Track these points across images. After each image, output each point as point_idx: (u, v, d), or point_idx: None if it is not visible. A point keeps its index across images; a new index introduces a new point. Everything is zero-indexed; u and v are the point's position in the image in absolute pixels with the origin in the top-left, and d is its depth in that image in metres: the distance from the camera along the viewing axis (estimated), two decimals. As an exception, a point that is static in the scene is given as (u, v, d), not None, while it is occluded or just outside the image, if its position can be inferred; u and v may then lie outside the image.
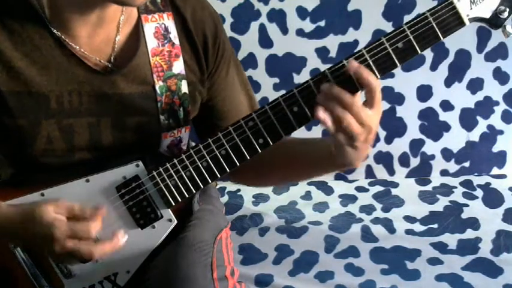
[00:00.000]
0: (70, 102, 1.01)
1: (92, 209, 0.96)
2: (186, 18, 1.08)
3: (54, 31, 0.99)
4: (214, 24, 1.11)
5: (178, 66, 1.08)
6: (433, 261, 1.64)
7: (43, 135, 1.01)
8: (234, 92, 1.17)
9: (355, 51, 0.93)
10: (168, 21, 1.08)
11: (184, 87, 1.09)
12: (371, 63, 0.93)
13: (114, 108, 1.04)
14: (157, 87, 1.06)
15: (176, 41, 1.08)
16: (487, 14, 0.94)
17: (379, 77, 0.93)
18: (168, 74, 1.07)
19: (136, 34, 1.06)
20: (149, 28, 1.06)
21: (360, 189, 2.05)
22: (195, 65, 1.10)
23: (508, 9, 0.93)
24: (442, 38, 0.93)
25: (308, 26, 1.98)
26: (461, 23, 0.92)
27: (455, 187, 2.02)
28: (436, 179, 2.08)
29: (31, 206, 0.95)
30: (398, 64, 0.93)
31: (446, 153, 2.09)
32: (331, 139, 0.95)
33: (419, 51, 0.93)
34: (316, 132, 2.05)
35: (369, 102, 0.92)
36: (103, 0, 0.96)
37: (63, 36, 1.00)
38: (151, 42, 1.06)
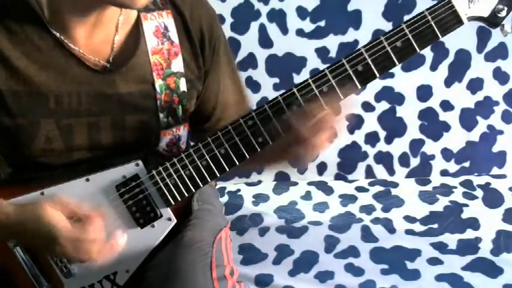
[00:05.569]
0: (69, 103, 1.01)
1: (90, 210, 0.95)
2: (184, 16, 1.09)
3: (53, 32, 0.99)
4: (211, 21, 1.11)
5: (177, 64, 1.08)
6: (433, 261, 1.64)
7: (42, 135, 1.01)
8: (224, 90, 1.17)
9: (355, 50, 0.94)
10: (167, 19, 1.08)
11: (183, 85, 1.09)
12: (370, 62, 0.93)
13: (113, 108, 1.04)
14: (157, 86, 1.06)
15: (175, 39, 1.08)
16: (485, 13, 0.94)
17: (378, 75, 0.94)
18: (168, 72, 1.07)
19: (136, 33, 1.06)
20: (149, 27, 1.06)
21: (360, 189, 2.05)
22: (193, 62, 1.10)
23: (506, 8, 0.93)
24: (440, 37, 0.93)
25: (308, 26, 1.98)
26: (460, 22, 0.93)
27: (455, 187, 2.02)
28: (436, 179, 2.08)
29: (30, 205, 0.95)
30: (397, 63, 0.93)
31: (446, 153, 2.09)
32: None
33: (418, 50, 0.93)
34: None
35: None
36: (102, 2, 0.96)
37: (62, 37, 1.00)
38: (151, 40, 1.06)
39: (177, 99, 1.08)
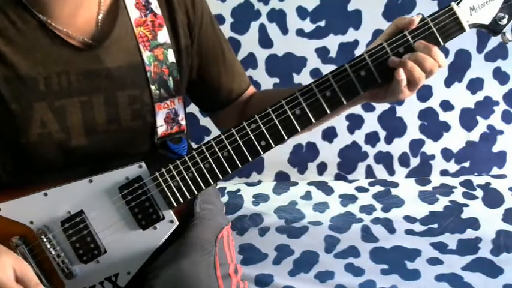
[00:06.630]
0: (59, 83, 1.02)
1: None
2: None
3: (36, 14, 1.00)
4: None
5: (163, 36, 1.09)
6: (433, 261, 1.64)
7: (36, 119, 1.02)
8: (224, 53, 1.19)
9: (358, 54, 0.94)
10: None
11: (171, 57, 1.10)
12: (372, 67, 0.94)
13: (104, 85, 1.04)
14: (145, 57, 1.07)
15: (158, 11, 1.09)
16: (487, 21, 0.96)
17: (379, 81, 0.94)
18: (154, 43, 1.08)
19: (115, 6, 1.07)
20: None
21: (360, 189, 2.05)
22: (180, 33, 1.11)
23: (507, 16, 0.95)
24: (442, 44, 0.94)
25: (308, 26, 1.98)
26: (461, 29, 0.94)
27: (455, 187, 2.02)
28: (436, 179, 2.08)
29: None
30: None
31: (446, 153, 2.09)
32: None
33: None
34: (317, 133, 2.06)
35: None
36: None
37: (45, 18, 1.01)
38: (134, 13, 1.07)
39: (167, 71, 1.09)
